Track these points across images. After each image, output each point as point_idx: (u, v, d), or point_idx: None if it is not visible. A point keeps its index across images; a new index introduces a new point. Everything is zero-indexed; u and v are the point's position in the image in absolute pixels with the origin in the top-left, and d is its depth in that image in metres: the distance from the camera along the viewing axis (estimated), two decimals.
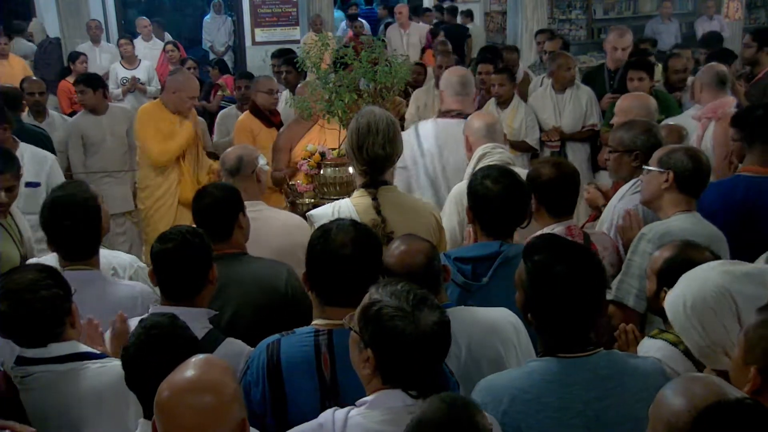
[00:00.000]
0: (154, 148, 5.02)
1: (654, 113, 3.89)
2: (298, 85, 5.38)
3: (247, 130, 5.28)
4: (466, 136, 3.74)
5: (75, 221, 2.73)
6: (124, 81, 8.47)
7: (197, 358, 1.74)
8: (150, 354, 1.94)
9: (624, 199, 3.25)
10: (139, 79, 8.41)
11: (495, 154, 3.53)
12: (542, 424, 1.84)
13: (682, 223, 2.83)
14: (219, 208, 2.85)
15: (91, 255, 2.81)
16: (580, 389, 1.88)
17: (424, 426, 1.57)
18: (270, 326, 2.41)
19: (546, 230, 2.89)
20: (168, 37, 10.61)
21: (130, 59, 8.66)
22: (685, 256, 2.31)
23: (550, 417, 1.85)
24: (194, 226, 2.69)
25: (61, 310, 2.24)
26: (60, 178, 4.46)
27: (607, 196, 3.64)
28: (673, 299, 2.14)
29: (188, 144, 5.09)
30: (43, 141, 5.18)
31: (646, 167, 3.00)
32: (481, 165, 3.48)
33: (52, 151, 5.25)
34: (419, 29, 10.70)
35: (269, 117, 5.35)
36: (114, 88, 8.55)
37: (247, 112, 5.49)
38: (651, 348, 2.27)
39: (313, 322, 2.16)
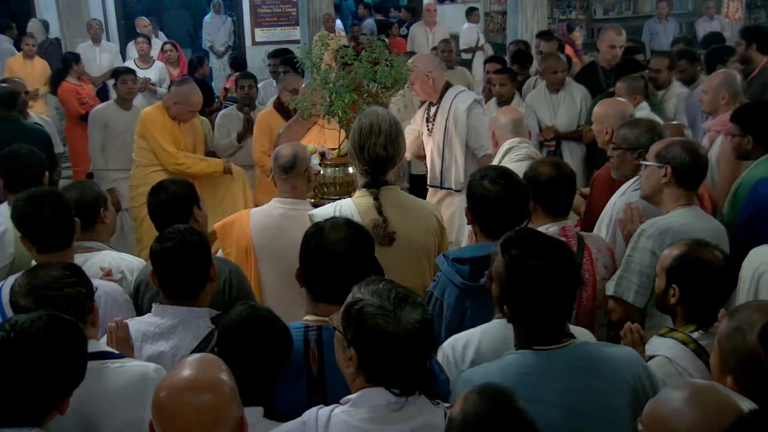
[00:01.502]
0: (170, 150, 5.06)
1: (629, 119, 3.87)
2: (303, 86, 5.39)
3: (266, 126, 5.35)
4: (492, 131, 3.79)
5: (50, 210, 2.76)
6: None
7: (193, 358, 1.75)
8: (249, 337, 2.00)
9: (624, 196, 3.27)
10: (149, 79, 8.40)
11: (521, 149, 3.57)
12: None
13: (683, 217, 2.84)
14: (174, 204, 2.87)
15: (66, 246, 2.82)
16: (555, 381, 1.90)
17: (471, 423, 1.57)
18: None
19: (540, 230, 2.89)
20: (162, 36, 10.59)
21: (145, 58, 8.65)
22: (695, 255, 2.33)
23: (528, 409, 1.86)
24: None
25: (83, 309, 2.25)
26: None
27: (589, 201, 3.66)
28: (755, 255, 2.16)
29: (200, 174, 5.07)
30: (45, 139, 5.20)
31: (644, 162, 3.01)
32: (507, 159, 3.51)
33: (51, 151, 5.26)
34: (443, 29, 10.74)
35: (291, 114, 5.38)
36: None
37: (270, 108, 5.59)
38: (661, 347, 2.28)
39: (305, 318, 2.18)
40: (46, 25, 11.04)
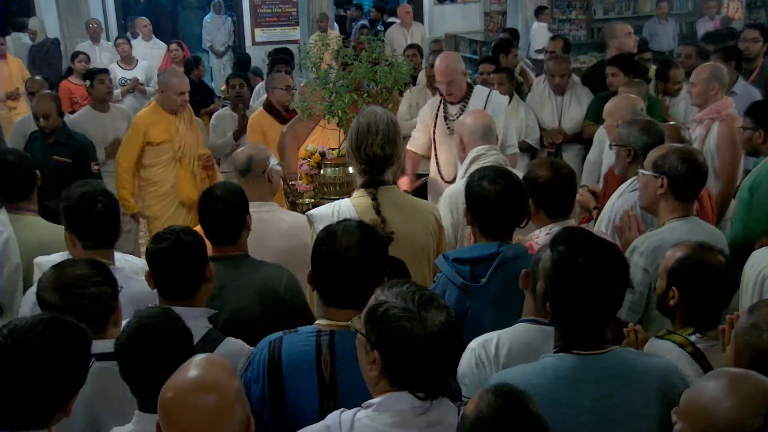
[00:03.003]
0: (120, 158, 5.20)
1: (640, 114, 3.87)
2: (300, 85, 5.38)
3: (257, 127, 5.32)
4: (460, 137, 3.73)
5: (104, 206, 2.84)
6: (123, 81, 8.45)
7: (199, 358, 1.75)
8: (142, 344, 1.96)
9: (623, 196, 3.26)
10: (138, 80, 8.40)
11: (489, 156, 3.53)
12: (553, 420, 1.81)
13: (677, 232, 2.77)
14: (230, 212, 2.84)
15: (111, 244, 2.88)
16: (588, 387, 1.88)
17: (483, 422, 1.56)
18: (267, 330, 2.41)
19: (543, 230, 2.89)
20: (153, 37, 10.56)
21: (127, 59, 8.63)
22: (698, 258, 2.32)
23: (560, 413, 1.85)
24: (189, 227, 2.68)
25: (107, 308, 2.26)
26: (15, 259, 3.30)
27: (599, 198, 3.66)
28: (760, 257, 2.15)
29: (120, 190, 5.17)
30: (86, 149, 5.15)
31: (641, 171, 2.99)
32: (474, 167, 3.48)
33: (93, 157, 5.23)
34: (421, 29, 10.71)
35: (282, 114, 5.37)
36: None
37: (260, 109, 5.53)
38: (659, 349, 2.27)
39: (316, 322, 2.16)
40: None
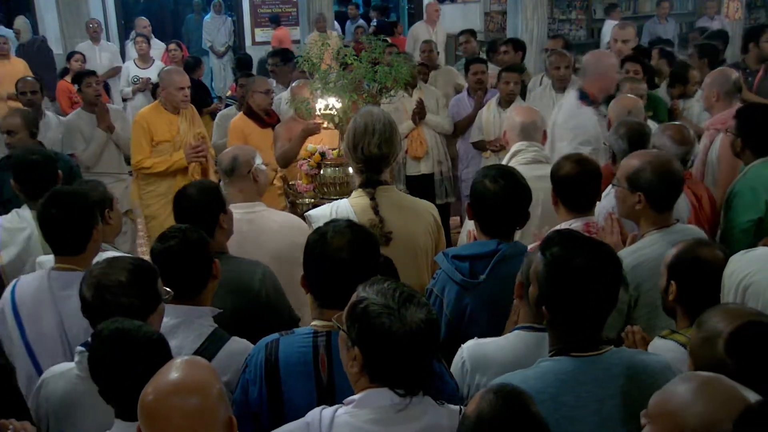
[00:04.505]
0: (134, 156, 5.17)
1: (636, 115, 3.88)
2: (294, 84, 5.37)
3: (239, 131, 5.28)
4: (505, 131, 3.80)
5: (66, 212, 2.73)
6: (135, 80, 8.45)
7: (180, 360, 1.73)
8: (112, 353, 1.93)
9: (608, 197, 3.25)
10: (150, 79, 8.41)
11: (529, 152, 3.58)
12: (559, 423, 1.83)
13: (657, 247, 2.70)
14: (200, 211, 2.83)
15: (78, 251, 2.76)
16: (595, 387, 1.88)
17: (484, 422, 1.57)
18: (244, 327, 2.43)
19: (564, 225, 2.87)
20: (153, 38, 10.58)
21: (144, 58, 8.66)
22: (693, 253, 2.31)
23: (566, 416, 1.85)
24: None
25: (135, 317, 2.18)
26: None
27: None
28: (738, 265, 2.19)
29: (172, 168, 5.14)
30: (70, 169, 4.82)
31: (614, 184, 2.91)
32: (513, 161, 3.54)
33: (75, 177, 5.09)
34: (443, 28, 10.73)
35: (263, 118, 5.35)
36: (125, 86, 8.56)
37: (240, 114, 5.49)
38: (661, 349, 2.26)
39: (312, 324, 2.16)
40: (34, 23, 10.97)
